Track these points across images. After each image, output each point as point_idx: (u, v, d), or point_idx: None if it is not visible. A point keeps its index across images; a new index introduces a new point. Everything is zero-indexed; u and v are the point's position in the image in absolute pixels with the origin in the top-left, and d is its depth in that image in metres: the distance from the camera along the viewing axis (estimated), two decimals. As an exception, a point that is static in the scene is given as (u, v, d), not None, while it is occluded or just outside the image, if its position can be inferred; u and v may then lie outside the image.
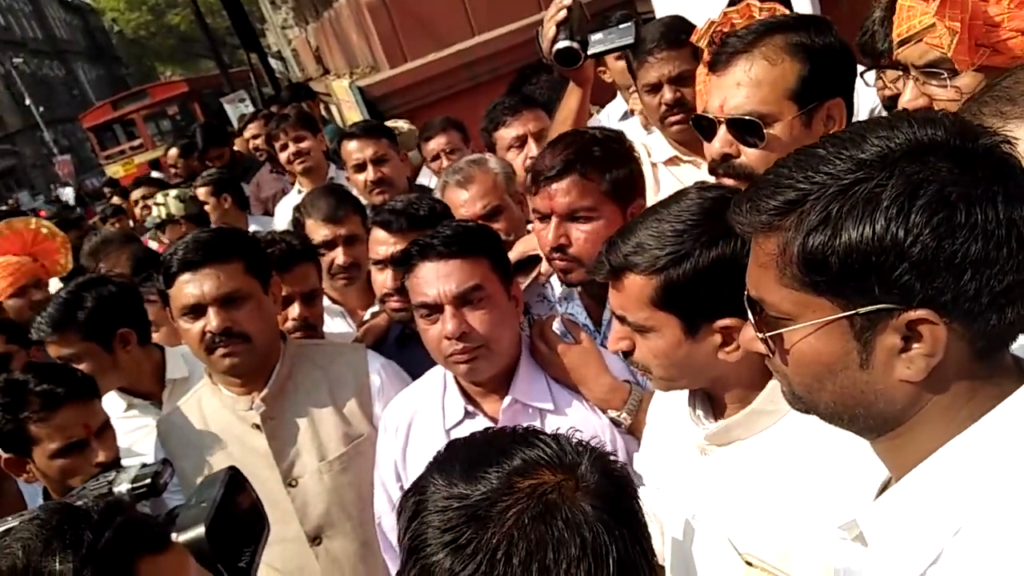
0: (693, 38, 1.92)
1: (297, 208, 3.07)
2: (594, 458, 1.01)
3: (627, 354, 1.56)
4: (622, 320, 1.52)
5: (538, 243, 2.15)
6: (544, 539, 0.94)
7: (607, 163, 2.06)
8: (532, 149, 3.05)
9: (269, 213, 5.77)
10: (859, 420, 1.02)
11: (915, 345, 0.93)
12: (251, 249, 2.29)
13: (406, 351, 2.49)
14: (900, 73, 1.69)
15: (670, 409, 1.69)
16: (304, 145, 4.72)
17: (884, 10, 2.53)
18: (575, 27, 2.30)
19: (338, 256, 2.89)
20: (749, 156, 1.77)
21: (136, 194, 6.93)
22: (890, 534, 1.01)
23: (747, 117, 1.75)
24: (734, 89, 1.77)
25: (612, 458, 1.04)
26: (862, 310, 0.93)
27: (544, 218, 2.08)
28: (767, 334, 1.03)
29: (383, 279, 2.48)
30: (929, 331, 0.92)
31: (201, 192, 5.17)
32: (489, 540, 0.94)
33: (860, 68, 2.62)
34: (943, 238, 0.89)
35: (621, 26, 2.33)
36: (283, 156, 4.83)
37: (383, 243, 2.44)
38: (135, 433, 2.61)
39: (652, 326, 1.47)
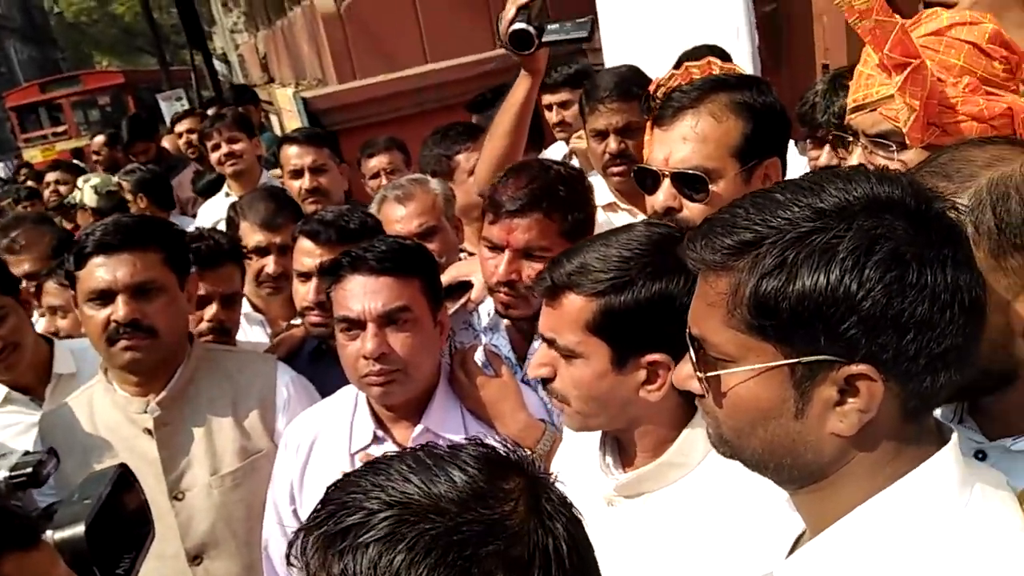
0: (651, 87, 1.92)
1: (234, 207, 2.97)
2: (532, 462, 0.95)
3: (545, 382, 1.51)
4: (551, 343, 1.48)
5: (483, 271, 2.08)
6: (570, 532, 0.88)
7: (570, 205, 2.01)
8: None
9: (186, 214, 5.60)
10: (784, 470, 1.01)
11: (850, 400, 0.93)
12: (173, 241, 2.18)
13: (319, 367, 2.40)
14: (847, 145, 1.72)
15: (577, 457, 1.66)
16: (237, 147, 4.55)
17: (827, 83, 2.62)
18: (534, 14, 2.31)
19: (269, 264, 2.79)
20: (692, 210, 1.78)
21: (51, 176, 6.63)
22: None
23: (693, 172, 1.76)
24: (680, 143, 1.78)
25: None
26: (805, 359, 0.93)
27: (495, 248, 2.02)
28: (706, 374, 1.01)
29: (305, 291, 2.39)
30: (867, 387, 0.92)
31: (124, 185, 4.99)
32: (536, 544, 0.83)
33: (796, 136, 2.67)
34: (893, 296, 0.89)
35: (578, 20, 2.34)
36: (214, 156, 4.66)
37: (308, 254, 2.36)
38: (9, 430, 2.43)
39: (581, 352, 1.43)
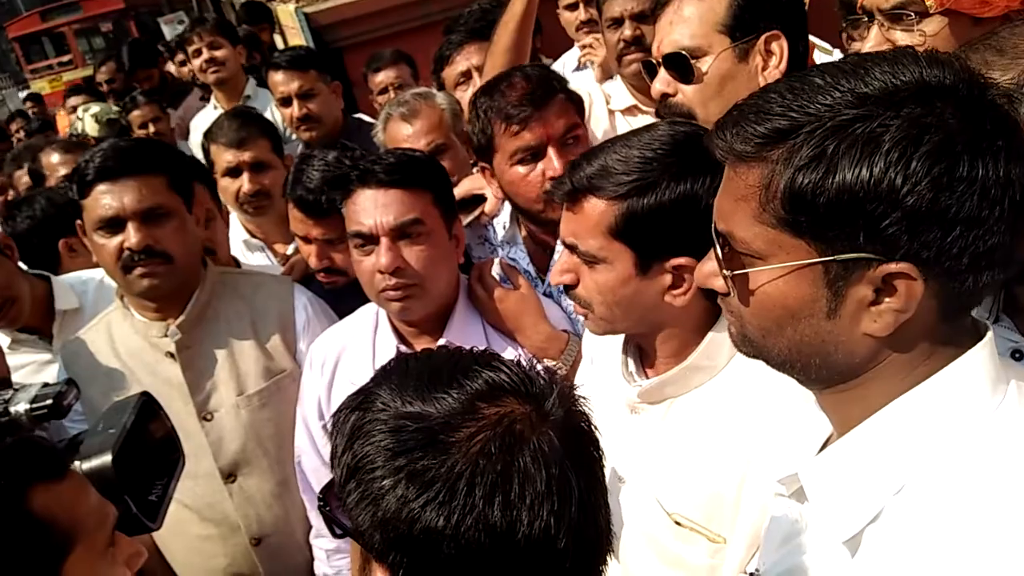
0: None
1: (206, 133, 2.90)
2: (560, 392, 0.92)
3: (568, 288, 1.48)
4: (572, 249, 1.44)
5: (526, 190, 2.00)
6: (510, 471, 0.84)
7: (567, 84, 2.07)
8: (477, 83, 2.90)
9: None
10: (812, 370, 0.97)
11: (886, 299, 0.89)
12: (175, 164, 2.14)
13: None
14: (861, 28, 1.64)
15: (599, 366, 1.64)
16: (219, 53, 4.34)
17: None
18: None
19: (243, 183, 2.74)
20: (685, 93, 1.78)
21: (74, 100, 6.45)
22: (830, 489, 0.99)
23: (677, 52, 1.76)
24: (667, 28, 1.79)
25: (577, 394, 0.95)
26: (841, 257, 0.88)
27: (534, 153, 1.95)
28: (732, 272, 0.96)
29: (308, 253, 2.38)
30: (905, 286, 0.87)
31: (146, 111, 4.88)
32: (451, 468, 0.83)
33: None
34: (941, 190, 0.83)
35: None
36: (196, 63, 4.45)
37: (301, 223, 2.34)
38: (24, 370, 2.42)
39: (604, 257, 1.40)
